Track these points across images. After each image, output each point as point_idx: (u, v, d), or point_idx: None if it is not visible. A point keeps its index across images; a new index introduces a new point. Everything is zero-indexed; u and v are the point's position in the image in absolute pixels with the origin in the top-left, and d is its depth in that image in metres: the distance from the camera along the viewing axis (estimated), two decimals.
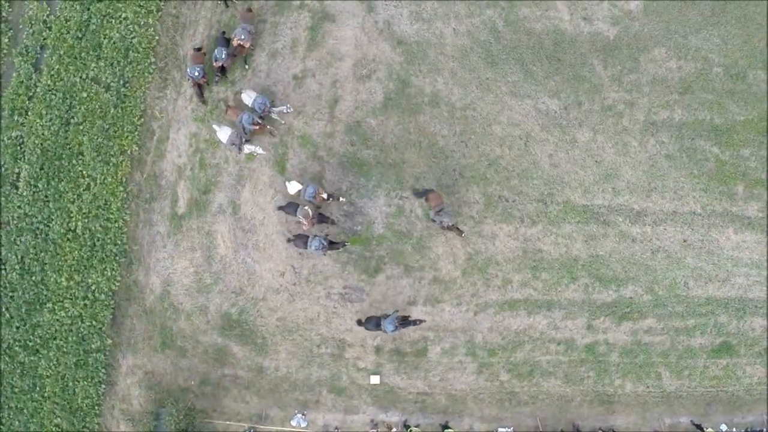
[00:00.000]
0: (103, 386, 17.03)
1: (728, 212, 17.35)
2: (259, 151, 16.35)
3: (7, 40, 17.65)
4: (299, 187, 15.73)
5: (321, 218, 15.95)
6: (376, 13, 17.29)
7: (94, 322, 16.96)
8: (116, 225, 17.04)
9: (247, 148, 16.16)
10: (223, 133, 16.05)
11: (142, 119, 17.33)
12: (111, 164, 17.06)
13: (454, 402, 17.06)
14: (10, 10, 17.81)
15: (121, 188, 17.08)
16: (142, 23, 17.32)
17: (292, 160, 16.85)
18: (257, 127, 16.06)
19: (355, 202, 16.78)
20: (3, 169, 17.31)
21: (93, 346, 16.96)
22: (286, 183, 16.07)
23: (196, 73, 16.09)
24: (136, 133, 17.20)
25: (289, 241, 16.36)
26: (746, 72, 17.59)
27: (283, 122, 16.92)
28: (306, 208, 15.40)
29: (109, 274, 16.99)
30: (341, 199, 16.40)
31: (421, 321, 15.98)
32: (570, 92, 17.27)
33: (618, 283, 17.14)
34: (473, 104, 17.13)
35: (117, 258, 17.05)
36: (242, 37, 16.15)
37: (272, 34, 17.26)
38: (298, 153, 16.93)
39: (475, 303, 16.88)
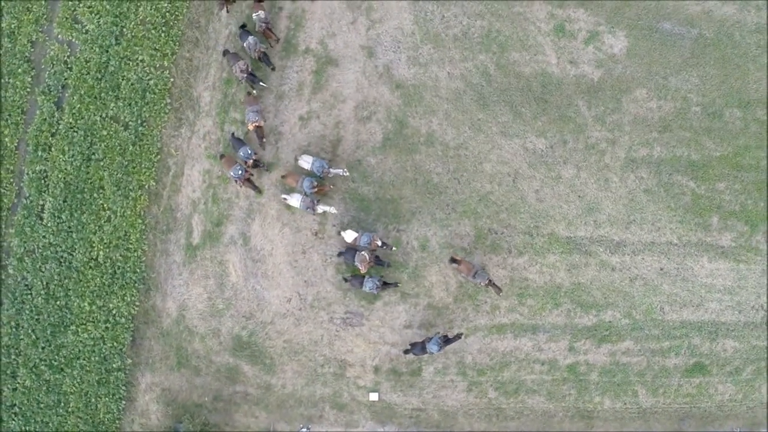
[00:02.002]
0: (124, 402, 19.88)
1: (703, 242, 20.09)
2: (333, 210, 18.80)
3: (30, 79, 20.25)
4: (355, 235, 18.48)
5: (378, 261, 18.76)
6: (376, 58, 19.95)
7: (115, 344, 19.78)
8: (135, 254, 19.81)
9: (320, 209, 18.62)
10: (295, 200, 18.56)
11: (159, 156, 20.04)
12: (130, 198, 19.79)
13: (446, 417, 19.93)
14: (33, 50, 20.39)
15: (140, 220, 19.83)
16: (158, 66, 19.96)
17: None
18: (316, 190, 18.47)
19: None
20: (28, 201, 20.02)
21: (114, 365, 19.78)
22: (342, 232, 18.79)
23: (240, 173, 18.34)
24: (153, 169, 19.92)
25: (345, 280, 19.18)
26: (723, 110, 20.22)
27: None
28: (363, 253, 18.21)
29: (129, 299, 19.79)
30: (393, 248, 19.13)
31: (460, 335, 18.78)
32: (556, 132, 19.97)
33: (598, 308, 19.94)
34: (466, 144, 19.86)
35: (136, 285, 19.83)
36: (255, 119, 18.53)
37: (280, 77, 19.92)
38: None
39: (466, 327, 19.69)
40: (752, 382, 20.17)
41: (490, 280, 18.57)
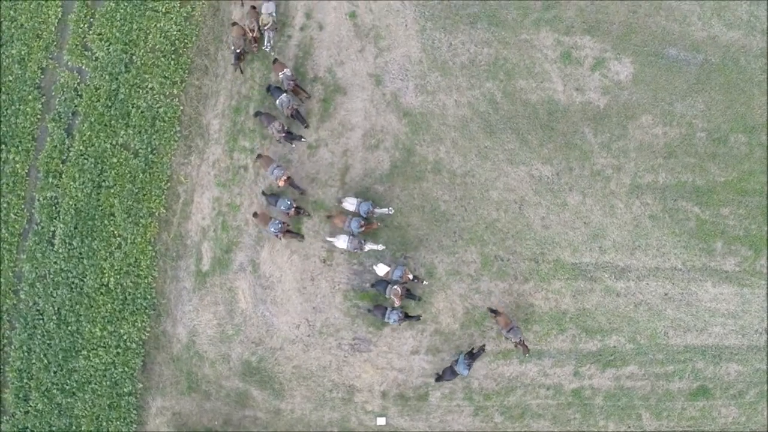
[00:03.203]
0: (135, 426, 20.70)
1: (707, 267, 20.78)
2: (380, 247, 19.45)
3: (40, 106, 20.95)
4: (387, 268, 19.25)
5: (408, 294, 19.53)
6: (384, 86, 20.63)
7: (126, 368, 20.56)
8: (146, 281, 20.56)
9: (368, 247, 19.27)
10: (341, 242, 19.19)
11: (169, 184, 20.76)
12: (140, 225, 20.52)
13: None
14: (43, 77, 21.07)
15: (150, 247, 20.57)
16: (167, 93, 20.63)
17: (307, 223, 20.35)
18: (364, 229, 19.09)
19: (363, 262, 20.28)
20: (39, 227, 20.76)
21: (125, 389, 20.59)
22: (375, 266, 19.50)
23: (279, 226, 18.93)
24: (163, 196, 20.65)
25: (369, 311, 19.95)
26: (728, 136, 20.83)
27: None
28: (396, 287, 19.00)
29: (140, 325, 20.57)
30: (424, 281, 19.91)
31: (483, 347, 19.61)
32: (562, 159, 20.64)
33: (603, 333, 20.68)
34: (472, 171, 20.55)
35: (147, 310, 20.60)
36: (280, 174, 19.01)
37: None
38: (312, 216, 20.39)
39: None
40: (755, 405, 20.91)
41: (521, 339, 19.29)
